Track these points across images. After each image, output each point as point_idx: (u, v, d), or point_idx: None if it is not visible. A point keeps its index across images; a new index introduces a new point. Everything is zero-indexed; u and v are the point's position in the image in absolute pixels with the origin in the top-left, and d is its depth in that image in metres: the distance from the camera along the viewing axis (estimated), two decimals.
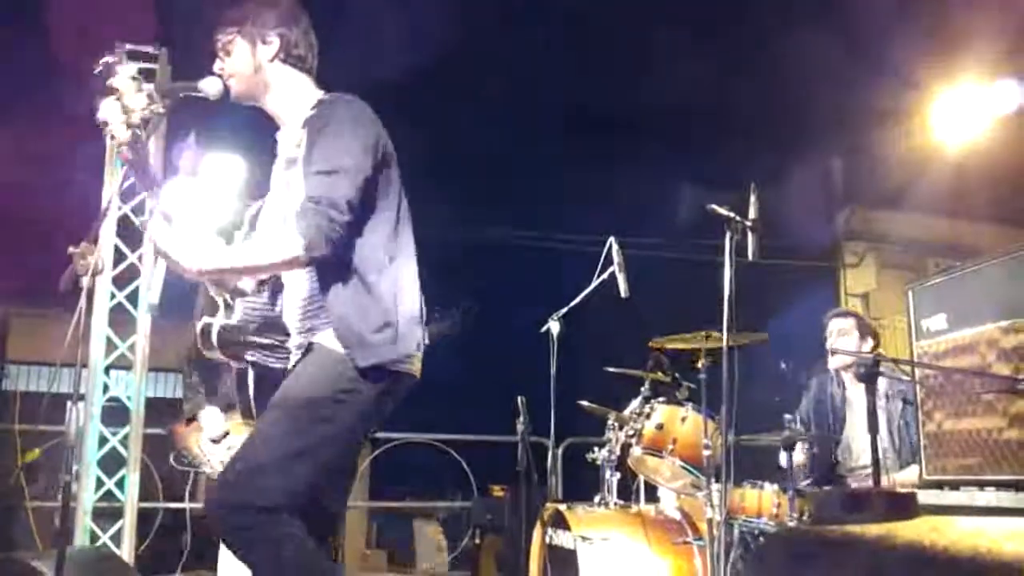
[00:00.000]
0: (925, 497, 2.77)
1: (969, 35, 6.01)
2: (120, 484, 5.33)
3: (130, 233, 5.46)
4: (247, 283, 2.60)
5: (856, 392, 4.23)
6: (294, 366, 2.42)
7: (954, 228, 7.96)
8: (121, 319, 5.55)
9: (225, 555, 3.76)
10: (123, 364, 5.53)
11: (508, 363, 6.17)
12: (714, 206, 3.29)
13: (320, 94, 2.54)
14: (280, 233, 2.32)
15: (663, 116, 7.52)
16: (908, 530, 1.23)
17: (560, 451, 6.18)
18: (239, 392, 2.53)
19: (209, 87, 2.53)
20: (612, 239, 4.17)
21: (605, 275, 4.16)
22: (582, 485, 5.08)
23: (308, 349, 2.38)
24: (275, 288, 2.58)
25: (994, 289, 2.66)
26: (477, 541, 6.03)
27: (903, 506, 2.00)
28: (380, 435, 6.53)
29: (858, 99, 6.89)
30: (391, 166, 2.46)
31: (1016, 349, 2.54)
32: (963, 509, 2.61)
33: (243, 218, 3.33)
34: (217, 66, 2.54)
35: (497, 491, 6.05)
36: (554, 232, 7.86)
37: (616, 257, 4.12)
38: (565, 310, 4.37)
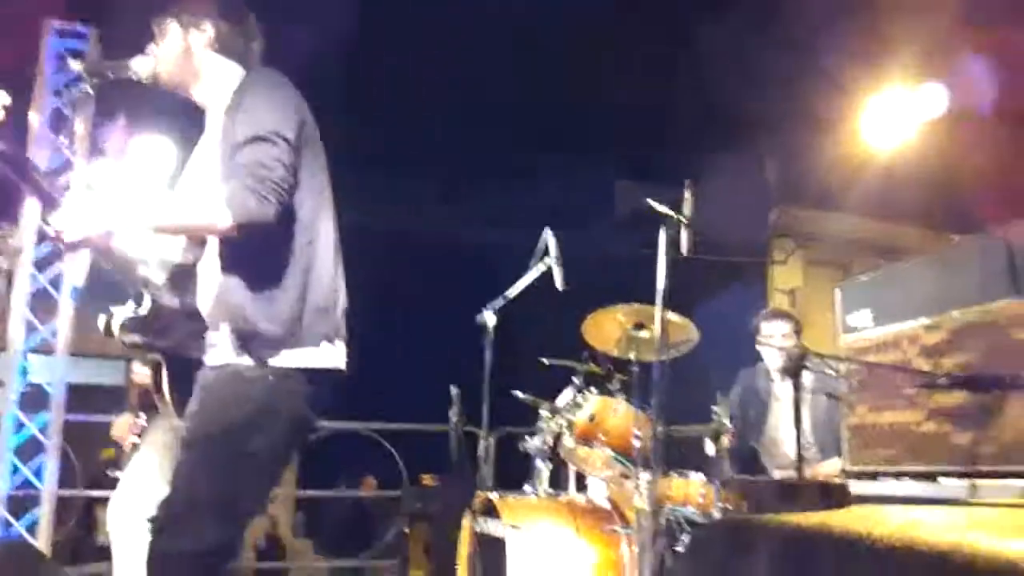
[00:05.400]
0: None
1: (896, 39, 6.16)
2: (38, 472, 5.19)
3: None
4: (157, 274, 2.53)
5: (783, 387, 4.35)
6: (211, 367, 2.30)
7: (880, 229, 8.17)
8: (43, 303, 5.40)
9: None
10: (44, 349, 5.38)
11: (440, 353, 6.17)
12: (652, 202, 3.33)
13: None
14: (206, 195, 2.20)
15: (600, 114, 7.57)
16: (844, 519, 1.26)
17: (492, 441, 6.18)
18: (154, 385, 2.47)
19: (140, 67, 2.49)
20: (548, 230, 4.19)
21: (542, 267, 4.17)
22: (514, 475, 5.11)
23: (215, 368, 2.28)
24: (186, 278, 2.49)
25: (917, 287, 2.74)
26: (406, 530, 6.02)
27: (836, 495, 2.06)
28: None
29: (790, 102, 7.02)
30: (315, 143, 2.37)
31: (936, 346, 2.62)
32: (882, 499, 2.70)
33: None
34: (151, 50, 2.49)
35: (428, 480, 6.04)
36: (491, 223, 7.86)
37: (553, 249, 4.13)
38: (501, 302, 4.37)
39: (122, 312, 2.42)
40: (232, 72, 2.47)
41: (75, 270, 5.23)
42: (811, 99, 6.88)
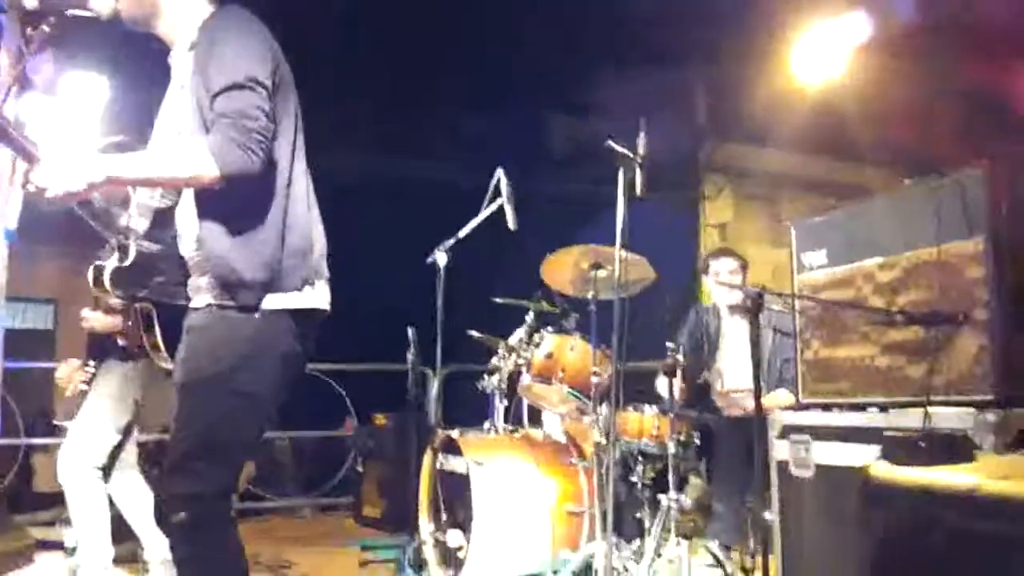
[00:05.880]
0: (798, 418, 3.01)
1: None
2: None
3: None
4: (138, 221, 2.50)
5: (731, 323, 4.51)
6: (196, 309, 2.32)
7: (810, 164, 8.35)
8: None
9: None
10: None
11: (387, 294, 6.14)
12: (611, 143, 3.37)
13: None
14: (190, 145, 2.17)
15: (529, 46, 7.47)
16: (987, 472, 1.36)
17: (441, 379, 6.20)
18: (146, 332, 2.44)
19: (100, 5, 2.39)
20: (500, 171, 4.18)
21: (494, 207, 4.18)
22: (457, 412, 5.18)
23: (200, 310, 2.29)
24: (167, 224, 2.45)
25: (872, 227, 2.86)
26: (360, 468, 6.08)
27: (960, 448, 2.15)
28: None
29: (722, 36, 7.05)
30: (288, 84, 2.34)
31: (890, 283, 2.76)
32: (836, 429, 2.83)
33: (104, 148, 3.15)
34: None
35: (379, 419, 6.09)
36: (444, 162, 7.76)
37: (505, 189, 4.14)
38: (452, 241, 4.37)
39: (111, 264, 2.38)
40: (195, 4, 2.40)
41: (9, 211, 5.04)
42: (743, 32, 6.92)
